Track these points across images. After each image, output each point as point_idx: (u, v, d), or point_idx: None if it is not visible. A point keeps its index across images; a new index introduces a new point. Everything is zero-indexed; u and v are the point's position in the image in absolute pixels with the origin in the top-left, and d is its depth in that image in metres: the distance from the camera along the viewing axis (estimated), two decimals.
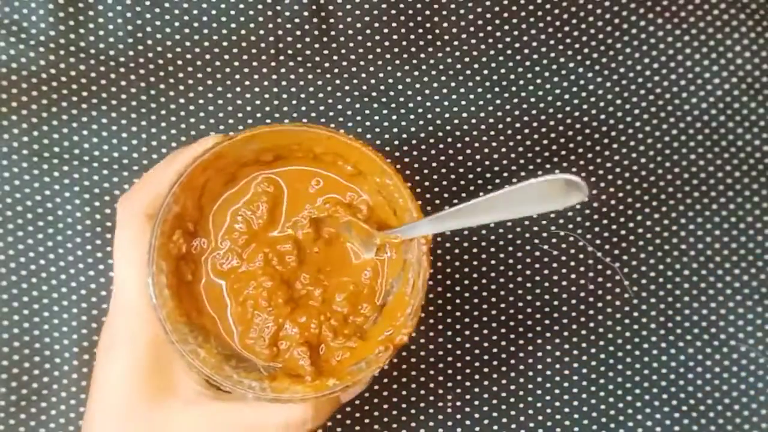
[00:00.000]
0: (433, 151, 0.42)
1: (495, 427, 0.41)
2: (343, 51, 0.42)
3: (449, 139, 0.42)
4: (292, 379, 0.32)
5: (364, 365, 0.32)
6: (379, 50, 0.42)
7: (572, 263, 0.42)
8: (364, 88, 0.42)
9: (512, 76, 0.42)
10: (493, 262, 0.42)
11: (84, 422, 0.33)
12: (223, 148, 0.31)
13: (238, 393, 0.31)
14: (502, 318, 0.42)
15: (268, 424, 0.31)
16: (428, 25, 0.42)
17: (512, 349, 0.42)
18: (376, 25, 0.42)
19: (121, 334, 0.32)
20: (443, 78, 0.42)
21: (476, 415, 0.41)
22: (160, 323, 0.30)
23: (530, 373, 0.42)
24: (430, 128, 0.42)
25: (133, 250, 0.31)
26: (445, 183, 0.42)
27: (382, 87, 0.42)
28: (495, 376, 0.42)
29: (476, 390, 0.41)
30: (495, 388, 0.42)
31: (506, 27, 0.43)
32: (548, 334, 0.42)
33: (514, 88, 0.42)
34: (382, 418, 0.41)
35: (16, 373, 0.40)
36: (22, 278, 0.40)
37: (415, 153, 0.42)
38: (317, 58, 0.42)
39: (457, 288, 0.42)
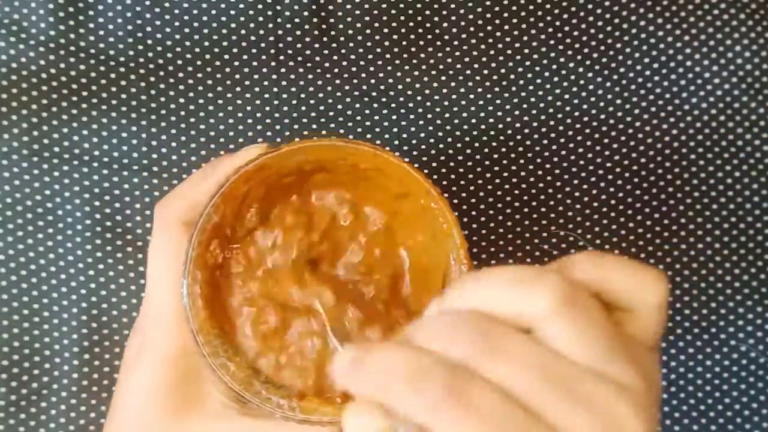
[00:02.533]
0: (433, 151, 0.42)
1: None
2: (343, 51, 0.42)
3: (449, 139, 0.42)
4: (321, 399, 0.32)
5: None
6: (379, 50, 0.42)
7: None
8: (364, 88, 0.42)
9: (512, 76, 0.42)
10: (493, 262, 0.42)
11: (105, 429, 0.33)
12: (266, 160, 0.31)
13: (265, 410, 0.30)
14: None
15: None
16: (428, 25, 0.42)
17: None
18: (376, 25, 0.42)
19: (149, 343, 0.31)
20: (443, 78, 0.42)
21: None
22: (191, 335, 0.30)
23: None
24: (430, 128, 0.42)
25: (167, 258, 0.31)
26: (445, 183, 0.42)
27: (382, 87, 0.42)
28: None
29: None
30: None
31: (506, 27, 0.42)
32: None
33: (514, 88, 0.42)
34: None
35: (16, 373, 0.40)
36: (22, 278, 0.40)
37: (415, 153, 0.42)
38: (317, 58, 0.42)
39: None
